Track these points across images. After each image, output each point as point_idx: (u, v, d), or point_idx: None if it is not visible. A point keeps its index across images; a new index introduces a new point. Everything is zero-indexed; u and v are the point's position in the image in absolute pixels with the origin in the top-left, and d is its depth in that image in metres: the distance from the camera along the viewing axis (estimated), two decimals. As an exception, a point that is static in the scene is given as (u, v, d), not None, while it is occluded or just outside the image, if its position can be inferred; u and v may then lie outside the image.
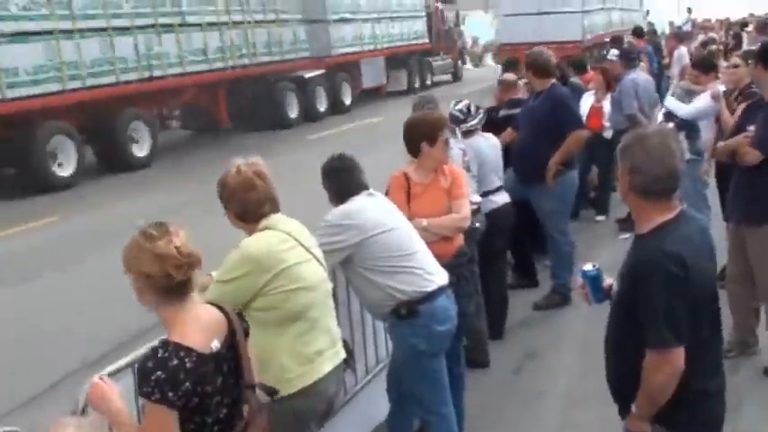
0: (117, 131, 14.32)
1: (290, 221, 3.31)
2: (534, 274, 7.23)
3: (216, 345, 2.43)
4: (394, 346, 4.15)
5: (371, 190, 4.05)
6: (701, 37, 18.53)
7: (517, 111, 7.10)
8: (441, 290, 3.92)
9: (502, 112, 7.40)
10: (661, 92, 11.38)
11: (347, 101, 21.74)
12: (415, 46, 25.53)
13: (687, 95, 7.35)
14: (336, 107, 20.96)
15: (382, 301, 3.88)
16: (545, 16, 22.30)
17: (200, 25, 16.31)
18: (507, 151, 6.77)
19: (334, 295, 3.63)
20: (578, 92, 8.94)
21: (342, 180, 3.95)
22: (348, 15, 21.63)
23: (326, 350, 3.28)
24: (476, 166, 5.66)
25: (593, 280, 3.06)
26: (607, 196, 9.15)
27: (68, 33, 13.24)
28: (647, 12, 33.88)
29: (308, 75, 19.81)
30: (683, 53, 14.69)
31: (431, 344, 3.91)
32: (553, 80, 6.62)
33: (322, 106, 20.34)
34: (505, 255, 6.52)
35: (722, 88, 6.75)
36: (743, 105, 5.74)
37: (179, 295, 2.41)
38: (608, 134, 8.70)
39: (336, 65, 21.20)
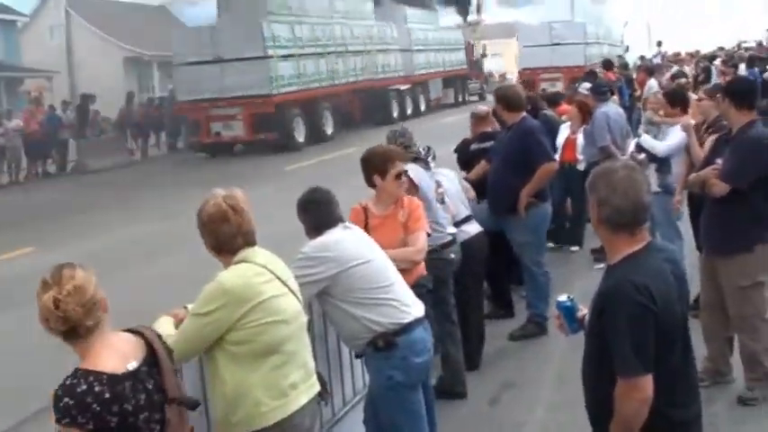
0: (318, 117, 23.12)
1: (267, 254, 3.31)
2: (510, 304, 7.26)
3: (133, 365, 2.52)
4: (371, 377, 4.14)
5: (347, 223, 4.08)
6: (675, 69, 18.92)
7: (489, 144, 7.18)
8: (417, 321, 3.93)
9: (473, 146, 7.47)
10: (632, 124, 11.57)
11: (422, 108, 30.37)
12: (458, 71, 34.93)
13: (651, 125, 7.51)
14: (416, 111, 29.29)
15: (359, 333, 3.88)
16: (556, 47, 29.22)
17: (351, 52, 25.54)
18: (482, 184, 6.85)
19: (311, 327, 3.62)
20: (552, 124, 9.05)
21: (318, 213, 3.97)
22: (421, 47, 31.02)
23: (301, 383, 3.26)
24: (448, 198, 5.70)
25: (568, 310, 3.11)
26: (581, 227, 9.23)
27: (300, 57, 22.60)
28: (627, 47, 38.61)
29: (402, 88, 28.64)
30: (653, 86, 14.96)
31: (408, 375, 3.91)
32: (524, 113, 6.70)
33: (409, 110, 28.78)
34: (482, 285, 6.55)
35: (692, 122, 6.88)
36: (712, 137, 5.88)
37: (73, 337, 2.50)
38: (581, 166, 8.80)
39: (416, 82, 30.25)
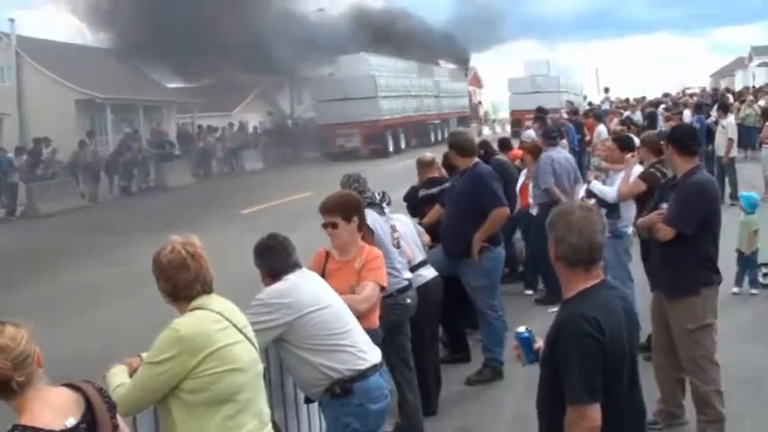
0: (397, 137, 35.66)
1: (223, 301, 3.29)
2: (467, 348, 7.28)
3: (71, 421, 2.47)
4: (328, 425, 4.11)
5: (304, 268, 4.08)
6: (625, 115, 19.45)
7: (436, 189, 7.29)
8: (374, 368, 3.93)
9: (422, 192, 7.55)
10: (582, 169, 11.82)
11: (447, 138, 35.37)
12: (465, 113, 47.91)
13: (599, 171, 7.75)
14: (443, 140, 37.07)
15: (316, 379, 3.86)
16: (537, 94, 38.14)
17: (410, 96, 38.60)
18: (436, 229, 6.92)
19: (267, 375, 3.59)
20: (504, 169, 9.18)
21: (275, 259, 3.97)
22: (444, 94, 43.96)
23: (255, 433, 3.23)
24: (404, 243, 5.74)
25: (526, 341, 3.24)
26: (536, 271, 9.34)
27: (389, 97, 35.86)
28: (585, 96, 45.33)
29: (436, 122, 41.33)
30: (602, 131, 15.35)
31: (365, 422, 3.89)
32: (476, 159, 6.80)
33: (439, 138, 39.09)
34: (437, 329, 6.57)
35: (638, 165, 7.13)
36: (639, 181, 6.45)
37: (7, 392, 2.46)
38: (534, 210, 8.95)
39: (443, 119, 42.64)
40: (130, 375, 3.20)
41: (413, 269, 5.80)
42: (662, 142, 6.11)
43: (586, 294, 2.90)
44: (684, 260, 5.10)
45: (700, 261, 5.15)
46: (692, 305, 5.12)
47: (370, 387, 3.87)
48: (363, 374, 3.86)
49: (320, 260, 4.62)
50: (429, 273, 6.06)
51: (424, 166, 7.78)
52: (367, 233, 5.11)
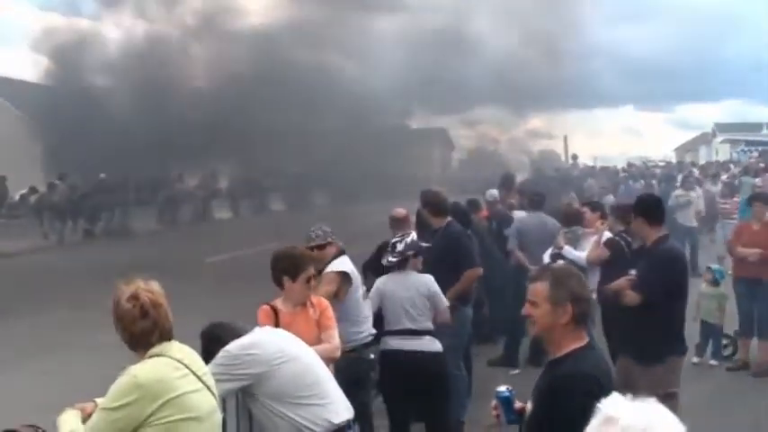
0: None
1: (183, 348, 3.22)
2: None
3: None
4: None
5: (266, 326, 4.02)
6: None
7: None
8: (348, 424, 3.86)
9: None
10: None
11: None
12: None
13: (574, 237, 7.86)
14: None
15: None
16: None
17: None
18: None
19: (225, 426, 3.50)
20: (478, 230, 9.15)
21: (228, 340, 3.83)
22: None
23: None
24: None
25: (506, 401, 3.14)
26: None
27: None
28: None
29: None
30: (573, 197, 15.56)
31: None
32: (449, 218, 6.80)
33: None
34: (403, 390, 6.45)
35: (607, 232, 7.23)
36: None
37: None
38: None
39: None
40: (83, 421, 3.10)
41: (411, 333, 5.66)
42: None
43: (579, 354, 2.89)
44: (652, 328, 5.12)
45: (665, 330, 5.16)
46: (657, 373, 5.12)
47: None
48: (339, 431, 3.77)
49: (270, 314, 4.56)
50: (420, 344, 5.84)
51: (396, 221, 7.63)
52: (344, 282, 5.12)
